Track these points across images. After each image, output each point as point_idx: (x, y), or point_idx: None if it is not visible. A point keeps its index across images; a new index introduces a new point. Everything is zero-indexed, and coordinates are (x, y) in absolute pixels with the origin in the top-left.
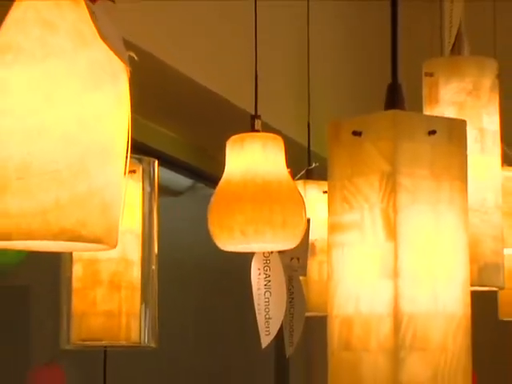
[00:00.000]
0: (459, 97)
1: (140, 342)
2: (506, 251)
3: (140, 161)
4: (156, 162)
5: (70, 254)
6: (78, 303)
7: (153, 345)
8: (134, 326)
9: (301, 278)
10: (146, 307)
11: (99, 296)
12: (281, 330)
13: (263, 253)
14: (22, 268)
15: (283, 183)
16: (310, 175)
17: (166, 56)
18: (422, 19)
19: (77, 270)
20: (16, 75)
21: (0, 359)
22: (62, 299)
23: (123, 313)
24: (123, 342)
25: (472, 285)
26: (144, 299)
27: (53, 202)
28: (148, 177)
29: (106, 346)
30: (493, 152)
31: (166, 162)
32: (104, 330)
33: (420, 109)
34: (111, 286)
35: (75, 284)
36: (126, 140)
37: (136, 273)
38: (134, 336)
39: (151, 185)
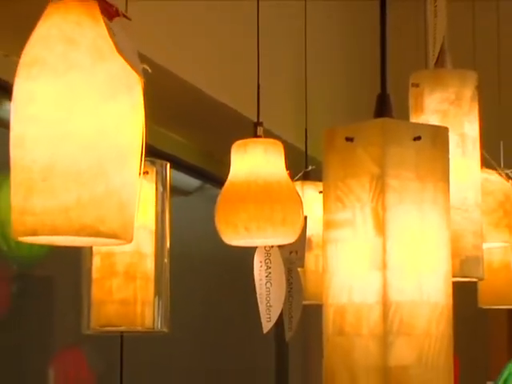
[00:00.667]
0: (443, 106)
1: (154, 328)
2: (486, 245)
3: (153, 163)
4: (168, 165)
5: (90, 247)
6: (96, 292)
7: (165, 330)
8: (148, 313)
9: (299, 269)
10: (158, 296)
11: (115, 285)
12: (281, 317)
13: (265, 247)
14: (46, 260)
15: (283, 184)
16: (307, 177)
17: (178, 69)
18: (409, 36)
19: (95, 262)
20: (41, 87)
21: (25, 344)
22: (82, 288)
23: (138, 301)
24: (139, 328)
25: (454, 276)
26: (157, 289)
27: (74, 200)
28: (161, 178)
29: (122, 332)
30: (473, 156)
31: (177, 164)
32: (120, 316)
33: (407, 117)
34: (127, 276)
35: (94, 275)
36: (141, 145)
37: (150, 265)
38: (148, 322)
39: (163, 185)
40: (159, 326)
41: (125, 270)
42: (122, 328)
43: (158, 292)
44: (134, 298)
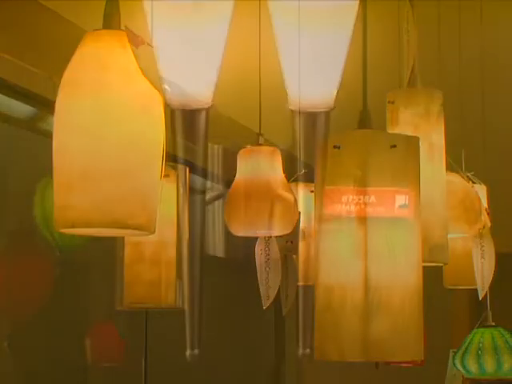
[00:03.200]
0: (414, 119)
1: (175, 305)
2: (449, 236)
3: (174, 168)
4: (187, 169)
5: (122, 239)
6: (127, 275)
7: (185, 307)
8: (170, 292)
9: (293, 256)
10: (179, 279)
11: (142, 270)
12: (278, 295)
13: (265, 237)
14: (86, 248)
15: (281, 185)
16: (300, 179)
17: None
18: (386, 61)
19: (126, 251)
20: (79, 103)
21: (66, 319)
22: (116, 272)
23: (162, 282)
24: (162, 305)
25: (424, 261)
26: (178, 273)
27: (106, 199)
28: (181, 180)
29: (147, 308)
30: (439, 161)
31: (194, 168)
32: (146, 295)
33: (384, 128)
34: (152, 262)
35: (125, 261)
36: (162, 152)
37: (171, 252)
38: (171, 300)
39: (184, 186)
40: (180, 304)
41: (150, 257)
42: (149, 305)
43: (178, 275)
44: (159, 280)
